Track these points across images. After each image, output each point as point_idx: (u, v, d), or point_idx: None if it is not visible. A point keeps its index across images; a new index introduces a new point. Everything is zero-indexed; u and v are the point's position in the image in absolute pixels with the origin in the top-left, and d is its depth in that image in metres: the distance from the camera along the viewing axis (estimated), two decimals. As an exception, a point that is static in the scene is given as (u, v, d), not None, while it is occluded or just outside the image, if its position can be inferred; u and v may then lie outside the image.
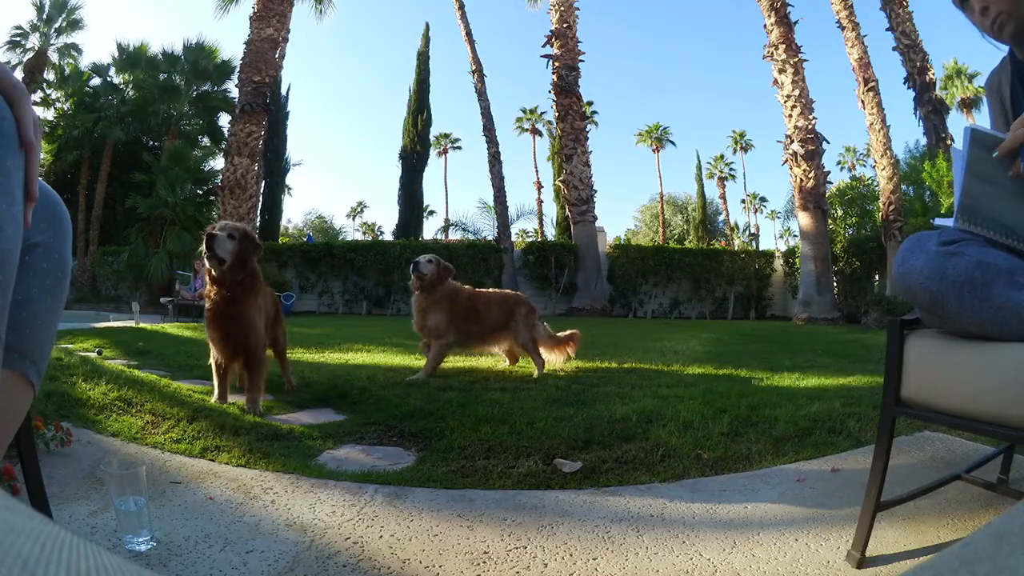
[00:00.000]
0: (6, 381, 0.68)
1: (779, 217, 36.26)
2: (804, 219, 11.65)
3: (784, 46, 11.89)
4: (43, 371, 0.73)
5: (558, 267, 13.55)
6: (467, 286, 3.74)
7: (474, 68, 14.53)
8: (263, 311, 2.59)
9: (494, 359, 4.14)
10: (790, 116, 11.86)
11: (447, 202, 41.11)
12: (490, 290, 3.87)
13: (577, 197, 13.56)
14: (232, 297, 2.41)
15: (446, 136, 40.75)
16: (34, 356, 0.70)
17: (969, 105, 24.71)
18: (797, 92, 11.79)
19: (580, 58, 13.98)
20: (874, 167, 12.39)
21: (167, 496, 1.43)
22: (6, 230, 0.58)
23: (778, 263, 14.47)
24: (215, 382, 2.56)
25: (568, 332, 3.73)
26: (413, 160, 23.72)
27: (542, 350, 3.62)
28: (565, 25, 13.87)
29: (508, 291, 3.89)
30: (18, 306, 0.67)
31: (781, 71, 11.96)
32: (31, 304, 0.69)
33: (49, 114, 18.03)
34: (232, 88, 16.40)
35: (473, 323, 3.50)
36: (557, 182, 18.02)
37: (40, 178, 0.68)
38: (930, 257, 0.96)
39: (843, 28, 12.42)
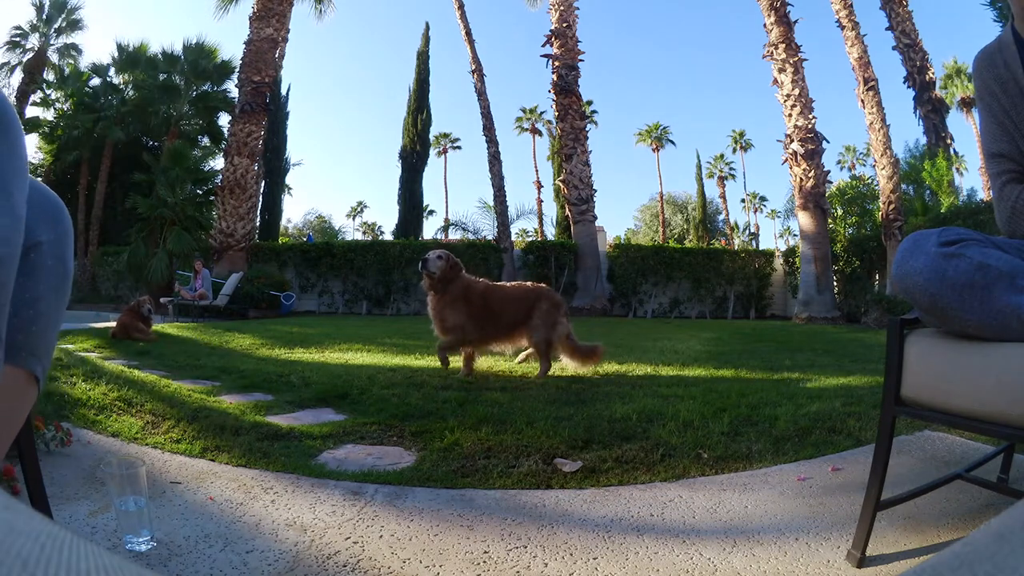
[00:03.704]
0: (13, 378, 0.69)
1: (779, 216, 36.31)
2: (804, 219, 11.65)
3: (784, 45, 11.89)
4: (48, 368, 0.75)
5: (558, 267, 13.54)
6: (482, 280, 3.58)
7: (474, 68, 14.52)
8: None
9: (494, 359, 4.14)
10: (790, 115, 11.86)
11: (447, 202, 41.25)
12: (509, 283, 3.63)
13: (577, 197, 13.56)
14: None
15: (446, 136, 40.79)
16: (39, 353, 0.72)
17: (969, 104, 24.70)
18: (797, 91, 11.79)
19: (580, 58, 13.98)
20: (874, 166, 12.39)
21: (167, 496, 1.43)
22: (3, 230, 0.57)
23: (778, 263, 14.46)
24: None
25: (592, 344, 3.50)
26: (413, 160, 23.72)
27: (562, 355, 3.42)
28: (565, 25, 13.86)
29: (530, 284, 3.63)
30: (26, 304, 0.69)
31: (781, 70, 11.95)
32: (38, 302, 0.71)
33: (49, 114, 18.03)
34: (232, 88, 16.41)
35: (489, 320, 3.33)
36: (557, 182, 18.02)
37: (39, 179, 0.69)
38: (930, 258, 0.95)
39: (843, 27, 12.42)
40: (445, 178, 41.25)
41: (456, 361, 3.56)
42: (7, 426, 0.71)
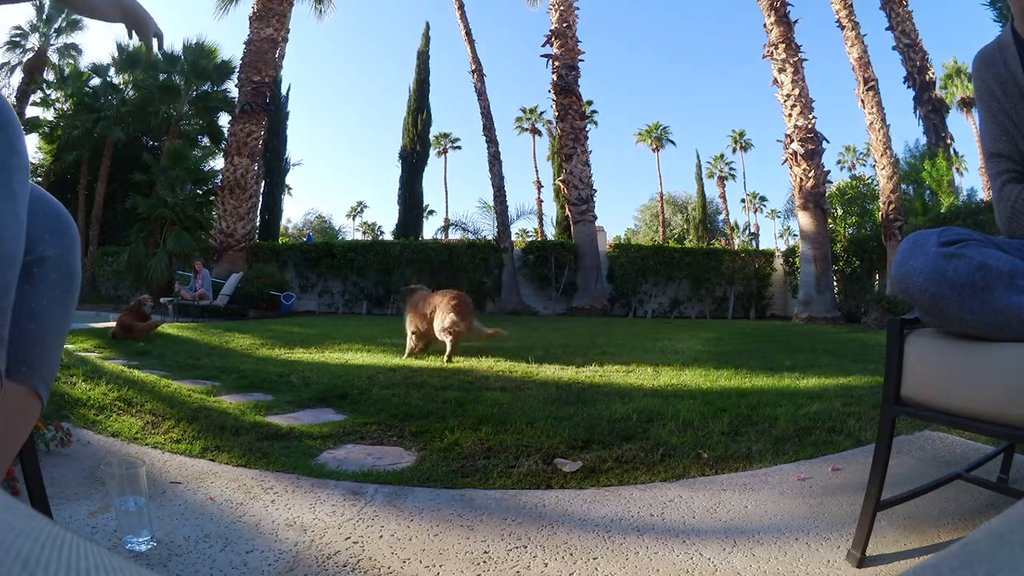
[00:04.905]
0: (16, 395, 0.66)
1: (779, 216, 36.29)
2: (804, 218, 11.65)
3: (784, 45, 11.88)
4: (51, 384, 0.72)
5: (558, 267, 13.53)
6: (431, 292, 4.78)
7: (474, 68, 14.51)
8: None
9: (494, 358, 4.14)
10: (790, 115, 11.86)
11: (447, 202, 41.25)
12: (439, 292, 4.77)
13: (577, 197, 13.55)
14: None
15: (446, 136, 40.81)
16: (43, 370, 0.69)
17: (969, 104, 24.70)
18: (797, 91, 11.79)
19: (580, 58, 13.97)
20: (874, 166, 12.37)
21: (167, 496, 1.43)
22: (7, 230, 0.56)
23: (778, 262, 14.45)
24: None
25: (492, 330, 4.56)
26: (413, 160, 23.72)
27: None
28: (565, 25, 13.86)
29: (451, 291, 4.70)
30: (28, 317, 0.66)
31: (781, 70, 11.95)
32: (41, 316, 0.68)
33: (49, 114, 18.02)
34: (232, 88, 16.39)
35: (423, 320, 4.52)
36: (557, 182, 18.01)
37: (43, 188, 0.68)
38: (929, 259, 0.95)
39: (843, 27, 12.41)
40: (445, 178, 41.29)
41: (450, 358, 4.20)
42: (8, 443, 0.69)
